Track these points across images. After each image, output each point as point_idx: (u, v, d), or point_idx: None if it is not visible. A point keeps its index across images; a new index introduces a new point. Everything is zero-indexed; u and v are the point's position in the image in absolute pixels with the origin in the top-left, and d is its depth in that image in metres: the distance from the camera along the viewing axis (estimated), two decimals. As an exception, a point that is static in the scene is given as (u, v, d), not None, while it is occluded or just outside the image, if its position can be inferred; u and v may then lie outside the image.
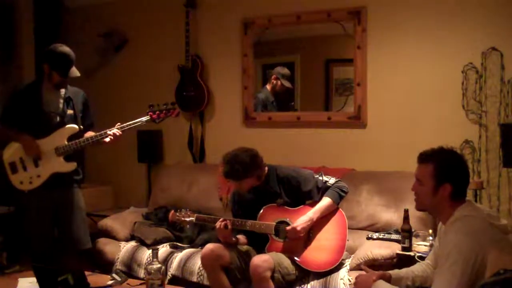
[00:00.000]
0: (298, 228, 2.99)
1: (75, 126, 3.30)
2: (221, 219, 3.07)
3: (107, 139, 3.23)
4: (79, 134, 3.29)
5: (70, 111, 3.32)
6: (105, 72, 5.10)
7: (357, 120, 3.94)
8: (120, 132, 3.25)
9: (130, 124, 3.29)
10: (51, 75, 3.22)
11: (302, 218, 3.02)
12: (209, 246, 3.04)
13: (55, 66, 3.19)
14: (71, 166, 3.31)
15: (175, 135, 4.74)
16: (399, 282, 2.25)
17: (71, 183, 3.39)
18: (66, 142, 3.24)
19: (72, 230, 3.37)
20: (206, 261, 3.04)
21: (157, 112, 3.35)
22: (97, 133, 3.25)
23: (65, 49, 3.22)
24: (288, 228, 3.02)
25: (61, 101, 3.31)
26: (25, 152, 3.21)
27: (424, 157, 2.16)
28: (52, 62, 3.19)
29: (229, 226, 3.04)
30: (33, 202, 3.27)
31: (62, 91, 3.32)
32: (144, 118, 3.33)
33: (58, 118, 3.28)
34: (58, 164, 3.26)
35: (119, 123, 3.30)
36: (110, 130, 3.24)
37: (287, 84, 4.26)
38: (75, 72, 3.22)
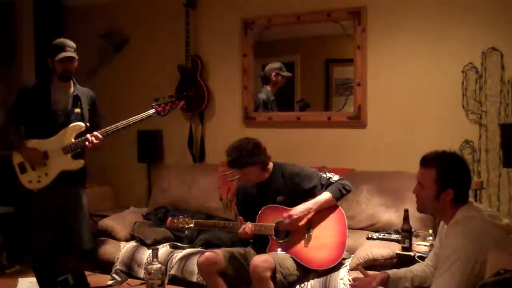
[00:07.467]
0: (294, 216, 3.00)
1: (82, 124, 3.32)
2: (242, 227, 3.07)
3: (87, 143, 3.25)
4: (86, 132, 3.30)
5: (77, 110, 3.36)
6: (105, 72, 5.10)
7: (357, 120, 3.94)
8: (101, 137, 3.26)
9: (136, 119, 3.31)
10: (53, 67, 3.28)
11: (299, 206, 3.03)
12: (204, 254, 3.04)
13: (52, 54, 3.25)
14: (79, 164, 3.32)
15: (175, 135, 4.74)
16: (398, 282, 2.25)
17: (80, 182, 3.40)
18: (73, 140, 3.26)
19: (75, 229, 3.38)
20: (203, 269, 3.04)
21: (162, 105, 3.36)
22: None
23: (62, 39, 3.32)
24: (284, 215, 3.03)
25: (69, 100, 3.33)
26: (28, 163, 3.25)
27: (427, 161, 2.13)
28: (51, 52, 3.27)
29: (250, 232, 3.06)
30: (38, 203, 3.28)
31: (71, 89, 3.35)
32: (150, 112, 3.34)
33: (64, 117, 3.30)
34: (66, 162, 3.28)
35: (125, 120, 3.32)
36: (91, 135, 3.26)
37: (287, 74, 4.26)
38: (68, 53, 3.24)
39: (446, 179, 2.07)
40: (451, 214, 2.09)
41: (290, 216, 3.01)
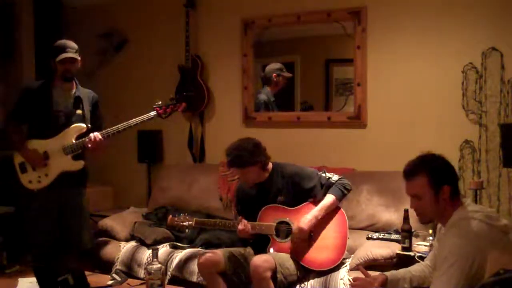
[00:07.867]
0: (306, 228, 3.00)
1: (83, 125, 3.32)
2: (241, 224, 3.07)
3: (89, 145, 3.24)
4: (87, 133, 3.30)
5: (78, 111, 3.36)
6: (105, 72, 5.10)
7: (357, 120, 3.94)
8: (101, 137, 3.24)
9: (136, 121, 3.31)
10: (55, 68, 3.28)
11: (307, 217, 3.02)
12: (205, 255, 3.05)
13: (53, 55, 3.25)
14: (79, 164, 3.33)
15: (175, 135, 4.74)
16: (396, 283, 2.25)
17: (80, 182, 3.41)
18: (74, 141, 3.26)
19: (75, 229, 3.38)
20: (203, 269, 3.05)
21: (164, 107, 3.36)
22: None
23: (64, 40, 3.32)
24: (294, 229, 3.03)
25: (71, 101, 3.34)
26: (30, 164, 3.25)
27: (412, 172, 2.13)
28: (52, 53, 3.27)
29: (249, 231, 3.06)
30: (38, 203, 3.28)
31: (72, 91, 3.35)
32: (151, 114, 3.34)
33: (65, 118, 3.31)
34: (66, 163, 3.28)
35: (126, 122, 3.30)
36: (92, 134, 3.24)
37: (288, 75, 4.26)
38: (68, 54, 3.24)
39: (439, 178, 2.08)
40: (449, 214, 2.09)
41: (301, 229, 3.00)
